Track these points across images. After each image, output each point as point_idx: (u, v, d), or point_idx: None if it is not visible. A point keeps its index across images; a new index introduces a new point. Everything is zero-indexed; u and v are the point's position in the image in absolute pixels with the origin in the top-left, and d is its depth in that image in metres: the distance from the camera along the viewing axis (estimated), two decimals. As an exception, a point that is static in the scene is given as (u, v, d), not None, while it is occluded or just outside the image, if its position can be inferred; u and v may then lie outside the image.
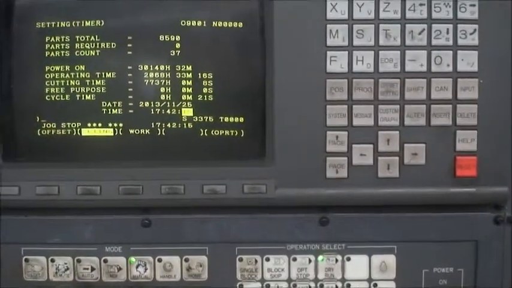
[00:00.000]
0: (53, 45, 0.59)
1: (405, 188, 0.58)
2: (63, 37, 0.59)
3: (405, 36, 0.57)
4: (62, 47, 0.59)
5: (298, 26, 0.57)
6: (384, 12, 0.57)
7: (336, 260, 0.60)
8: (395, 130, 0.57)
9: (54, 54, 0.59)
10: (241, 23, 0.58)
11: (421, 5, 0.57)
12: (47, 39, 0.59)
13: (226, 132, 0.59)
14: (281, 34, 0.57)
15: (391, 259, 0.60)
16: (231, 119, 0.59)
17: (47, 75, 0.59)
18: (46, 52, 0.59)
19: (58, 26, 0.59)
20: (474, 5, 0.57)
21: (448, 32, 0.57)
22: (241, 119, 0.59)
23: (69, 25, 0.59)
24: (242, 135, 0.59)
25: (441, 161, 0.57)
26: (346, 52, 0.57)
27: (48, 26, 0.59)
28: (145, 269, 0.60)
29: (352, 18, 0.57)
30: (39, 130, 0.60)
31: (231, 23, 0.58)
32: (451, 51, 0.57)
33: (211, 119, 0.59)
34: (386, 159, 0.58)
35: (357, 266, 0.60)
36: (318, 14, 0.57)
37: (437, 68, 0.57)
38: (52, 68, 0.59)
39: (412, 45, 0.57)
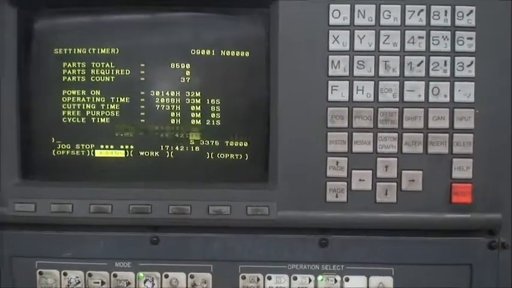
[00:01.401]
0: (69, 71, 0.62)
1: (402, 213, 0.60)
2: (79, 63, 0.62)
3: (404, 68, 0.59)
4: (79, 72, 0.62)
5: (302, 56, 0.59)
6: (384, 45, 0.59)
7: (335, 280, 0.63)
8: (394, 157, 0.60)
9: (71, 79, 0.62)
10: (248, 52, 0.61)
11: (419, 37, 0.59)
12: (64, 65, 0.62)
13: (232, 156, 0.62)
14: (285, 63, 0.60)
15: (388, 280, 0.62)
16: (236, 144, 0.62)
17: (64, 99, 0.62)
18: (63, 77, 0.62)
19: (75, 52, 0.62)
20: (471, 38, 0.59)
21: (445, 64, 0.59)
22: (246, 144, 0.62)
23: (85, 52, 0.62)
24: (247, 159, 0.62)
25: (437, 187, 0.60)
26: (347, 82, 0.59)
27: (65, 52, 0.62)
28: (153, 284, 0.63)
29: (353, 49, 0.59)
30: (54, 150, 0.63)
31: (239, 52, 0.61)
32: (448, 83, 0.59)
33: (217, 143, 0.62)
34: (385, 184, 0.60)
35: (356, 286, 0.62)
36: (321, 45, 0.59)
37: (434, 98, 0.59)
38: (69, 92, 0.62)
39: (411, 76, 0.59)
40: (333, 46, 0.59)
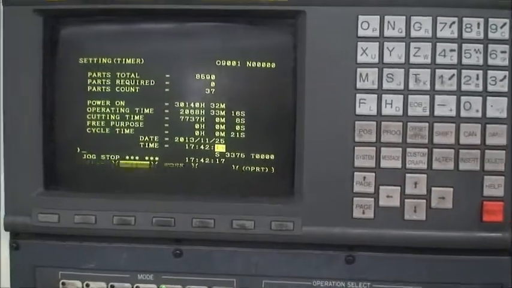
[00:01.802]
0: (94, 81, 0.62)
1: (431, 231, 0.59)
2: (104, 73, 0.62)
3: (435, 81, 0.57)
4: (104, 83, 0.62)
5: (329, 68, 0.58)
6: (414, 57, 0.58)
7: (361, 298, 0.61)
8: (423, 173, 0.58)
9: (96, 89, 0.62)
10: (273, 64, 0.60)
11: (451, 50, 0.57)
12: (89, 75, 0.62)
13: (257, 169, 0.61)
14: (312, 75, 0.58)
15: (416, 299, 0.61)
16: (262, 156, 0.61)
17: (88, 109, 0.62)
18: (88, 87, 0.62)
19: (100, 62, 0.62)
20: (505, 52, 0.57)
21: (477, 78, 0.57)
22: (272, 157, 0.61)
23: (110, 62, 0.61)
24: (272, 172, 0.61)
25: (468, 205, 0.58)
26: (376, 95, 0.58)
27: (90, 61, 0.62)
28: (175, 297, 0.63)
29: (383, 62, 0.58)
30: (79, 160, 0.63)
31: (264, 63, 0.60)
32: (480, 97, 0.57)
33: (242, 155, 0.61)
34: (413, 201, 0.58)
35: (382, 304, 0.61)
36: (349, 57, 0.58)
37: (466, 113, 0.57)
38: (93, 102, 0.62)
39: (442, 90, 0.58)
40: (361, 58, 0.58)
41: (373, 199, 0.59)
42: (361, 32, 0.58)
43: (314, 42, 0.58)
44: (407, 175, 0.58)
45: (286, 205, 0.60)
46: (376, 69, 0.58)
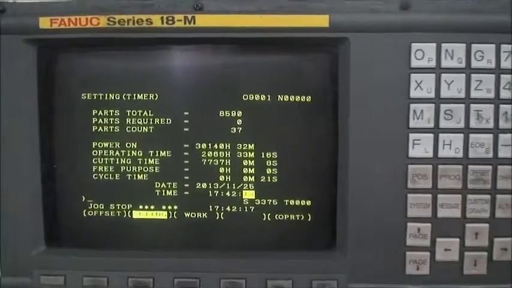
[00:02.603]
0: (101, 120, 0.53)
1: (492, 286, 0.51)
2: (112, 111, 0.53)
3: (499, 118, 0.50)
4: (111, 122, 0.53)
5: (378, 104, 0.50)
6: (476, 91, 0.50)
7: None
8: (485, 223, 0.51)
9: (103, 129, 0.53)
10: (309, 97, 0.52)
11: (518, 82, 0.50)
12: (94, 113, 0.53)
13: (292, 217, 0.54)
14: (357, 112, 0.51)
15: None
16: (297, 203, 0.54)
17: (94, 152, 0.53)
18: (93, 127, 0.53)
19: (107, 98, 0.53)
20: None
21: (548, 114, 0.50)
22: (309, 203, 0.54)
23: (119, 98, 0.53)
24: (309, 220, 0.54)
25: (535, 257, 0.51)
26: (432, 135, 0.50)
27: (95, 97, 0.53)
28: None
29: (440, 97, 0.50)
30: (85, 212, 0.55)
31: (299, 96, 0.52)
32: (550, 136, 0.50)
33: (275, 202, 0.54)
34: (474, 254, 0.52)
35: None
36: (401, 91, 0.50)
37: (535, 154, 0.50)
38: (100, 145, 0.53)
39: (507, 128, 0.50)
40: (415, 93, 0.50)
41: (428, 253, 0.52)
42: (414, 63, 0.50)
43: (359, 73, 0.50)
44: (468, 225, 0.51)
45: (328, 260, 0.53)
46: (433, 105, 0.50)
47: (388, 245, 0.52)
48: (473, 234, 0.51)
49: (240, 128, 0.53)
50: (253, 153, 0.53)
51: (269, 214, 0.54)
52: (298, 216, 0.54)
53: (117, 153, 0.54)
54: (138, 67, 0.53)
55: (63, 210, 0.55)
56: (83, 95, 0.53)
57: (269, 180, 0.53)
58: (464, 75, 0.50)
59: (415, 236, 0.51)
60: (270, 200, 0.53)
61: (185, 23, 0.50)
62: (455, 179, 0.51)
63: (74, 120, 0.54)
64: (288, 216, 0.54)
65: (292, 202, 0.54)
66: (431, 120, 0.50)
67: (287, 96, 0.52)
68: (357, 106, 0.51)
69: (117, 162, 0.54)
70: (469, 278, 0.52)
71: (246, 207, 0.54)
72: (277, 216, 0.54)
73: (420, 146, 0.51)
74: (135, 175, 0.54)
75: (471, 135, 0.50)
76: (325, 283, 0.52)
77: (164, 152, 0.53)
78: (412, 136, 0.51)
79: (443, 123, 0.50)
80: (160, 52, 0.53)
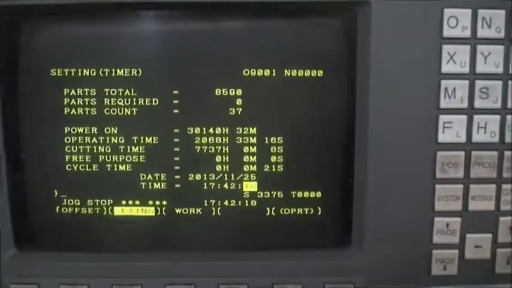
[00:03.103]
0: (74, 100, 0.45)
1: (528, 285, 0.46)
2: (87, 90, 0.45)
3: (541, 97, 0.43)
4: (87, 103, 0.45)
5: (403, 80, 0.43)
6: (517, 65, 0.43)
7: None
8: (522, 216, 0.45)
9: (76, 111, 0.45)
10: (321, 71, 0.44)
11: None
12: (65, 92, 0.45)
13: (300, 211, 0.47)
14: (378, 89, 0.44)
15: None
16: (306, 194, 0.47)
17: (67, 139, 0.46)
18: (65, 109, 0.46)
19: (80, 74, 0.45)
20: None
21: None
22: (319, 194, 0.47)
23: (95, 74, 0.44)
24: (319, 214, 0.47)
25: None
26: (465, 117, 0.44)
27: (67, 74, 0.45)
28: None
29: (475, 72, 0.44)
30: (58, 208, 0.47)
31: (309, 71, 0.45)
32: None
33: (280, 194, 0.47)
34: (507, 251, 0.46)
35: None
36: (430, 65, 0.43)
37: None
38: (73, 130, 0.46)
39: (550, 107, 0.43)
40: (446, 67, 0.43)
41: (457, 251, 0.46)
42: (447, 31, 0.43)
43: (381, 43, 0.43)
44: (501, 219, 0.45)
45: (343, 260, 0.47)
46: (467, 81, 0.43)
47: (412, 243, 0.46)
48: (507, 229, 0.45)
49: (240, 109, 0.45)
50: (255, 138, 0.46)
51: (273, 208, 0.47)
52: (307, 210, 0.47)
53: (94, 139, 0.46)
54: (117, 37, 0.45)
55: (34, 207, 0.47)
56: (52, 71, 0.45)
57: (273, 169, 0.46)
58: (503, 46, 0.43)
59: (443, 232, 0.45)
60: (275, 193, 0.47)
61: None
62: (489, 167, 0.44)
63: (43, 101, 0.46)
64: (295, 210, 0.47)
65: (300, 194, 0.47)
66: (465, 99, 0.44)
67: (295, 71, 0.45)
68: (377, 82, 0.44)
69: (95, 150, 0.46)
70: (501, 277, 0.46)
71: (246, 201, 0.47)
72: (283, 211, 0.47)
73: (451, 130, 0.44)
74: (116, 165, 0.46)
75: (509, 117, 0.43)
76: (339, 287, 0.45)
77: (150, 138, 0.46)
78: (442, 118, 0.44)
79: (478, 103, 0.44)
80: (143, 19, 0.44)
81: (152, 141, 0.46)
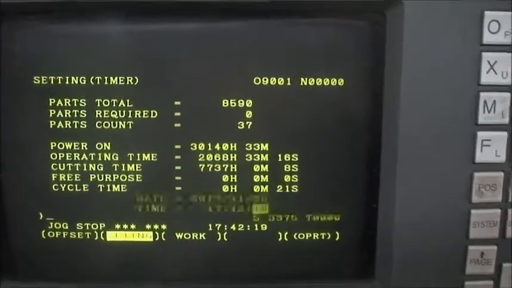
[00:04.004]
0: (61, 112, 0.40)
1: None
2: (76, 100, 0.40)
3: None
4: (76, 115, 0.40)
5: (436, 92, 0.38)
6: None
7: None
8: None
9: (63, 125, 0.40)
10: (341, 80, 0.39)
11: None
12: (51, 103, 0.40)
13: (316, 236, 0.42)
14: (409, 99, 0.38)
15: None
16: (323, 218, 0.42)
17: (53, 156, 0.41)
18: (51, 122, 0.40)
19: (68, 82, 0.40)
20: None
21: None
22: (337, 218, 0.42)
23: (85, 82, 0.39)
24: (337, 239, 0.42)
25: None
26: (505, 133, 0.39)
27: (53, 82, 0.40)
28: None
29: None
30: (44, 232, 0.42)
31: (328, 79, 0.39)
32: None
33: (294, 218, 0.42)
34: (547, 282, 0.41)
35: None
36: (467, 75, 0.38)
37: None
38: (60, 146, 0.41)
39: None
40: (486, 77, 0.38)
41: (491, 282, 0.41)
42: (487, 37, 0.38)
43: (413, 49, 0.38)
44: (542, 247, 0.40)
45: (366, 293, 0.41)
46: (509, 94, 0.38)
47: (443, 274, 0.41)
48: (549, 258, 0.40)
49: (250, 123, 0.40)
50: (266, 155, 0.41)
51: (286, 233, 0.42)
52: (323, 235, 0.42)
53: (84, 156, 0.41)
54: (111, 40, 0.39)
55: (15, 231, 0.42)
56: (35, 78, 0.40)
57: (287, 190, 0.41)
58: (551, 54, 0.38)
59: (477, 261, 0.41)
60: (288, 216, 0.42)
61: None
62: (531, 190, 0.39)
63: (24, 113, 0.40)
64: (310, 235, 0.42)
65: (316, 217, 0.42)
66: (506, 114, 0.39)
67: (312, 79, 0.40)
68: (408, 94, 0.38)
69: (85, 168, 0.41)
70: (539, 312, 0.41)
71: (256, 225, 0.42)
72: (297, 236, 0.42)
73: (490, 148, 0.39)
74: (109, 185, 0.41)
75: (558, 131, 0.39)
76: (362, 323, 0.40)
77: (148, 155, 0.41)
78: (480, 135, 0.39)
79: (524, 110, 0.38)
80: (141, 20, 0.39)
81: (150, 158, 0.41)
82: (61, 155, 0.40)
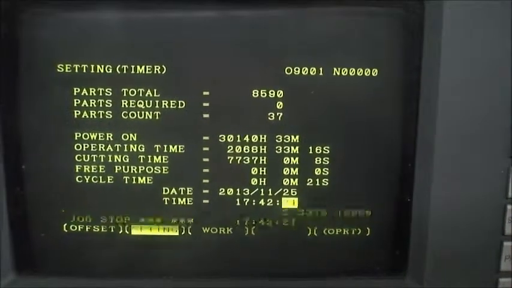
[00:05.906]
0: (85, 101, 0.38)
1: None
2: (101, 89, 0.38)
3: None
4: (101, 105, 0.39)
5: (477, 89, 0.37)
6: None
7: None
8: None
9: (88, 115, 0.39)
10: (375, 70, 0.38)
11: None
12: (75, 92, 0.39)
13: (346, 232, 0.41)
14: (448, 93, 0.37)
15: None
16: (354, 213, 0.41)
17: (77, 146, 0.39)
18: (75, 111, 0.39)
19: (93, 71, 0.38)
20: None
21: None
22: (369, 213, 0.41)
23: (111, 71, 0.37)
24: (368, 235, 0.41)
25: None
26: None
27: (77, 70, 0.38)
28: None
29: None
30: (66, 226, 0.40)
31: (361, 69, 0.38)
32: None
33: (324, 212, 0.41)
34: None
35: None
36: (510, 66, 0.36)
37: None
38: (85, 136, 0.39)
39: None
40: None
41: None
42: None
43: (453, 39, 0.36)
44: None
45: (398, 289, 0.40)
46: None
47: (476, 270, 0.40)
48: None
49: (281, 114, 0.39)
50: (297, 147, 0.40)
51: (316, 229, 0.41)
52: (354, 230, 0.41)
53: (110, 147, 0.39)
54: (137, 27, 0.38)
55: (37, 225, 0.41)
56: (59, 66, 0.38)
57: (317, 183, 0.40)
58: None
59: (512, 258, 0.39)
60: (318, 210, 0.41)
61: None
62: None
63: (48, 103, 0.39)
64: (341, 231, 0.41)
65: (347, 213, 0.41)
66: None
67: (345, 70, 0.39)
68: (447, 85, 0.37)
69: (109, 160, 0.40)
70: None
71: (285, 220, 0.41)
72: (327, 232, 0.41)
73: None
74: (134, 178, 0.40)
75: None
76: (394, 321, 0.39)
77: (175, 146, 0.39)
78: (524, 130, 0.37)
79: None
80: (170, 5, 0.37)
81: (177, 150, 0.39)
82: (85, 146, 0.39)
